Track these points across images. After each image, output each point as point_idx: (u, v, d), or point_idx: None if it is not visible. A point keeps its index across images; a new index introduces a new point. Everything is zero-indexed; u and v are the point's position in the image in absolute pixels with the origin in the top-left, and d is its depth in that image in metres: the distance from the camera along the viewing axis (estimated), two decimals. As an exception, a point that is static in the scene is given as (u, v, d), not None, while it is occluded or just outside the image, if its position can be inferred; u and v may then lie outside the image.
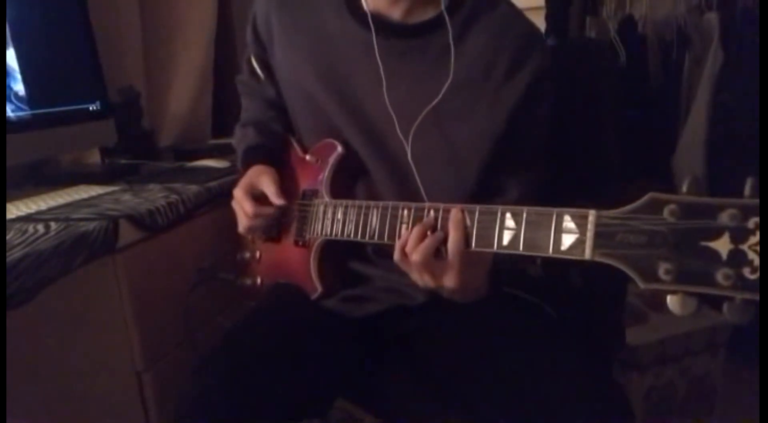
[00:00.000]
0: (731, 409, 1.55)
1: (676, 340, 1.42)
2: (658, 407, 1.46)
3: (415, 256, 0.68)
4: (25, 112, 1.09)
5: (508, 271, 0.80)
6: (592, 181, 0.94)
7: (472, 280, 0.72)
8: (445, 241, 0.68)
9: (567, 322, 0.85)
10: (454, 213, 0.67)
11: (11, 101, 1.08)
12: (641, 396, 1.43)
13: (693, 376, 1.48)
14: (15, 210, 0.93)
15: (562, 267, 0.97)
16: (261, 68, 0.98)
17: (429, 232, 0.69)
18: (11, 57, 1.06)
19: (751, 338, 0.84)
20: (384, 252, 0.86)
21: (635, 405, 1.39)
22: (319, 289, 0.86)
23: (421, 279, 0.71)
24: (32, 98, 1.10)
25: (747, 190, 0.47)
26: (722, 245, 0.47)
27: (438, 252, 0.68)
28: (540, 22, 1.65)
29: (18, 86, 1.08)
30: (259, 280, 0.97)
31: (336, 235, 0.82)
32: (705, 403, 1.52)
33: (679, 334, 1.42)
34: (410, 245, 0.69)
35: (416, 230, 0.69)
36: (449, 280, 0.69)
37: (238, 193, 0.88)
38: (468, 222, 0.66)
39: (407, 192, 0.81)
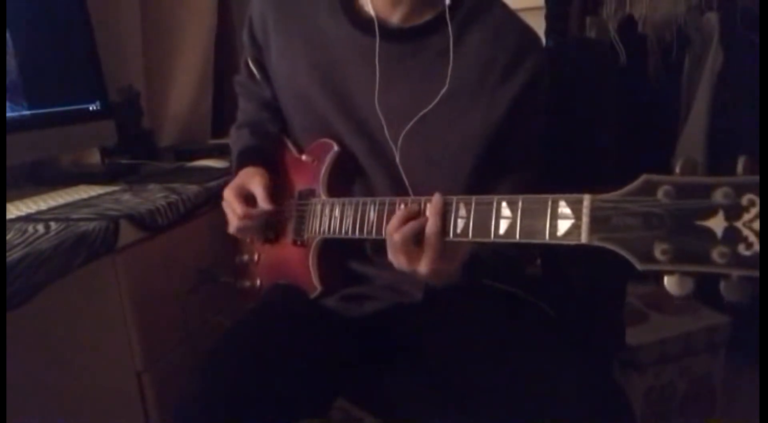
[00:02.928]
0: (731, 409, 1.55)
1: (676, 340, 1.42)
2: (658, 407, 1.46)
3: (396, 237, 0.70)
4: (25, 112, 1.09)
5: (505, 270, 0.80)
6: (590, 181, 0.93)
7: (444, 268, 0.72)
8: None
9: (567, 322, 0.85)
10: (436, 199, 0.68)
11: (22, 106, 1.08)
12: (641, 396, 1.43)
13: (693, 376, 1.48)
14: (15, 210, 0.93)
15: (561, 267, 0.97)
16: (257, 69, 0.99)
17: (412, 217, 0.70)
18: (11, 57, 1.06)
19: (751, 338, 0.84)
20: (383, 251, 0.86)
21: (635, 405, 1.39)
22: (319, 287, 0.86)
23: (396, 260, 0.72)
24: (32, 98, 1.10)
25: (739, 168, 0.48)
26: (717, 223, 0.48)
27: (417, 238, 0.70)
28: (540, 22, 1.65)
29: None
30: (258, 282, 0.97)
31: (334, 232, 0.82)
32: (705, 403, 1.52)
33: (679, 334, 1.42)
34: (392, 225, 0.71)
35: (401, 213, 0.71)
36: (423, 266, 0.70)
37: (228, 193, 0.88)
38: (464, 212, 0.66)
39: (402, 192, 0.82)
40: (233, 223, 0.89)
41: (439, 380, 0.83)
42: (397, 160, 0.81)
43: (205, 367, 0.78)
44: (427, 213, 0.69)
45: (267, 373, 0.76)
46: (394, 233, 0.70)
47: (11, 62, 1.06)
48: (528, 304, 0.87)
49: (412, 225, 0.70)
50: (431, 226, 0.68)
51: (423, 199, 0.71)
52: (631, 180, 0.54)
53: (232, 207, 0.88)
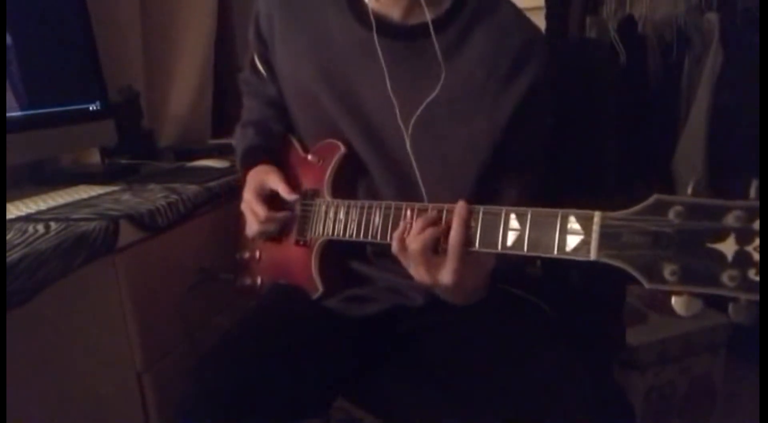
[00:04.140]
0: (731, 409, 1.55)
1: (676, 340, 1.42)
2: (658, 407, 1.46)
3: (414, 245, 0.68)
4: (25, 112, 1.09)
5: (505, 271, 0.80)
6: (591, 181, 0.94)
7: (468, 281, 0.71)
8: (446, 234, 0.67)
9: (567, 322, 0.85)
10: (460, 205, 0.66)
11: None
12: (641, 396, 1.43)
13: (693, 376, 1.48)
14: (15, 210, 0.93)
15: (562, 267, 0.97)
16: (263, 67, 0.98)
17: (431, 225, 0.69)
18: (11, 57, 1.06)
19: (751, 338, 0.84)
20: (384, 253, 0.86)
21: (635, 405, 1.39)
22: (321, 288, 0.86)
23: (417, 272, 0.70)
24: (32, 98, 1.10)
25: (752, 192, 0.47)
26: (727, 246, 0.48)
27: (437, 247, 0.68)
28: (540, 22, 1.65)
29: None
30: (259, 280, 0.96)
31: (338, 235, 0.82)
32: (705, 403, 1.52)
33: (679, 334, 1.42)
34: (411, 234, 0.69)
35: (420, 221, 0.69)
36: (445, 276, 0.68)
37: (249, 196, 0.88)
38: (472, 222, 0.66)
39: (408, 192, 0.81)
40: (254, 228, 0.89)
41: (440, 381, 0.83)
42: (408, 146, 0.81)
43: (205, 368, 0.78)
44: (451, 221, 0.67)
45: (267, 374, 0.76)
46: (412, 242, 0.68)
47: (12, 62, 1.06)
48: (528, 304, 0.87)
49: (431, 232, 0.68)
50: (455, 235, 0.66)
51: (430, 205, 0.71)
52: (631, 181, 0.53)
53: (254, 210, 0.88)
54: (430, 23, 0.79)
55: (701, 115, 1.52)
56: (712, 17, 1.52)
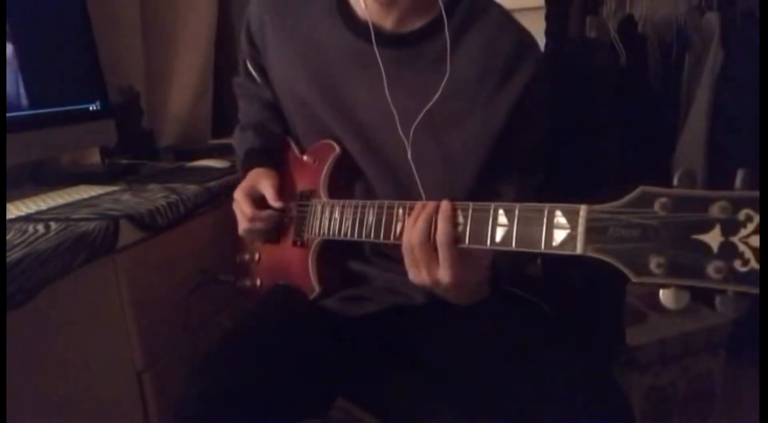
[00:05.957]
0: (731, 409, 1.55)
1: (676, 340, 1.42)
2: (658, 407, 1.46)
3: (414, 238, 0.68)
4: (25, 112, 1.09)
5: (508, 273, 0.80)
6: (592, 182, 0.94)
7: (467, 279, 0.70)
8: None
9: (567, 322, 0.85)
10: (444, 203, 0.67)
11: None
12: (641, 396, 1.43)
13: (693, 376, 1.48)
14: (15, 210, 0.93)
15: (562, 267, 0.97)
16: (256, 71, 0.99)
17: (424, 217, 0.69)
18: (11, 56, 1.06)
19: (751, 338, 0.84)
20: (382, 252, 0.87)
21: (635, 405, 1.39)
22: (318, 289, 0.86)
23: (418, 272, 0.70)
24: (32, 98, 1.10)
25: (737, 182, 0.47)
26: (713, 238, 0.47)
27: (434, 244, 0.68)
28: (540, 22, 1.65)
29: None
30: (258, 282, 0.97)
31: (333, 234, 0.82)
32: (705, 403, 1.52)
33: (679, 334, 1.42)
34: (406, 229, 0.69)
35: (413, 214, 0.69)
36: (442, 274, 0.68)
37: (238, 195, 0.89)
38: (461, 219, 0.66)
39: (404, 194, 0.82)
40: (242, 225, 0.89)
41: (439, 381, 0.83)
42: (409, 155, 0.81)
43: (204, 368, 0.78)
44: (437, 218, 0.67)
45: (267, 374, 0.76)
46: (410, 237, 0.68)
47: (12, 62, 1.06)
48: (528, 304, 0.87)
49: (423, 222, 0.67)
50: (441, 232, 0.66)
51: (419, 203, 0.70)
52: (630, 181, 0.53)
53: (241, 209, 0.88)
54: (445, 17, 0.79)
55: (701, 115, 1.52)
56: (712, 17, 1.52)
